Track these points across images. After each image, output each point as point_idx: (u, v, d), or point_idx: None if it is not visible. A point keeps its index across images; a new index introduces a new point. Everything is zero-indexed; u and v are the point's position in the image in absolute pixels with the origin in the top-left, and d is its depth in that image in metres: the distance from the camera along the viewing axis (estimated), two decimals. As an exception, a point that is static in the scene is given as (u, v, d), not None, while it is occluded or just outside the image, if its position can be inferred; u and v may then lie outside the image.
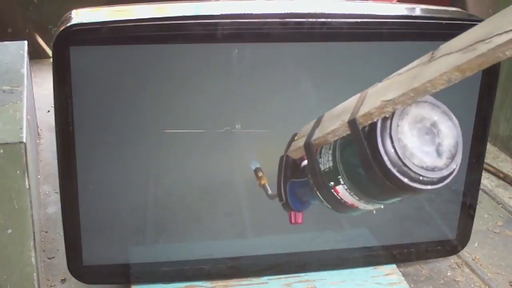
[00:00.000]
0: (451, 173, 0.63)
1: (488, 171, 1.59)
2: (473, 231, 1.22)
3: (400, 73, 0.64)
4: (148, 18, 0.97)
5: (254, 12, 0.99)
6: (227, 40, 0.97)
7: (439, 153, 0.63)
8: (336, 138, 0.70)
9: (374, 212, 0.73)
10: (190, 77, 1.02)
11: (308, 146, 0.74)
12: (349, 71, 1.05)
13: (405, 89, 0.59)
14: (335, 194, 0.71)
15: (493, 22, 0.53)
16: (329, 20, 0.98)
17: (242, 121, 1.05)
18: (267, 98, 1.05)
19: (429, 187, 0.62)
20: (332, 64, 1.06)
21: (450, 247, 1.23)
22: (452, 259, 1.25)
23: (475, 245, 1.30)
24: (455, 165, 0.63)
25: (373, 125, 0.63)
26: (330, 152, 0.71)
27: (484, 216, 1.41)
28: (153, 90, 1.01)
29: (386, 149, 0.62)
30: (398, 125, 0.62)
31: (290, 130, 0.89)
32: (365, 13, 1.04)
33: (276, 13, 1.00)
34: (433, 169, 0.62)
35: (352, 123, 0.65)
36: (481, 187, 1.36)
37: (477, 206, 1.21)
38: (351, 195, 0.69)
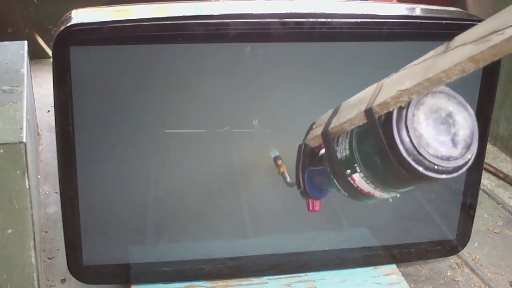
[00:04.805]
0: (466, 162, 0.64)
1: (488, 171, 1.59)
2: (473, 231, 1.22)
3: (416, 64, 0.64)
4: (148, 18, 0.97)
5: (254, 12, 1.00)
6: (227, 40, 0.97)
7: (454, 143, 0.63)
8: (352, 127, 0.70)
9: (390, 200, 0.73)
10: (190, 77, 1.02)
11: (325, 134, 0.75)
12: (349, 71, 1.05)
13: (420, 79, 0.60)
14: (352, 182, 0.71)
15: (507, 13, 0.54)
16: (329, 20, 0.98)
17: (244, 120, 1.06)
18: (267, 97, 1.05)
19: (443, 176, 0.63)
20: (332, 64, 1.06)
21: (450, 247, 1.23)
22: (452, 259, 1.25)
23: (475, 245, 1.30)
24: (470, 155, 0.64)
25: (389, 115, 0.64)
26: (347, 140, 0.71)
27: (484, 216, 1.41)
28: (153, 90, 1.01)
29: (401, 138, 0.62)
30: (413, 115, 0.62)
31: (290, 130, 0.89)
32: (365, 13, 1.04)
33: (276, 13, 1.00)
34: (448, 159, 0.62)
35: (368, 112, 0.65)
36: (481, 187, 1.36)
37: (477, 206, 1.21)
38: (367, 183, 0.69)
